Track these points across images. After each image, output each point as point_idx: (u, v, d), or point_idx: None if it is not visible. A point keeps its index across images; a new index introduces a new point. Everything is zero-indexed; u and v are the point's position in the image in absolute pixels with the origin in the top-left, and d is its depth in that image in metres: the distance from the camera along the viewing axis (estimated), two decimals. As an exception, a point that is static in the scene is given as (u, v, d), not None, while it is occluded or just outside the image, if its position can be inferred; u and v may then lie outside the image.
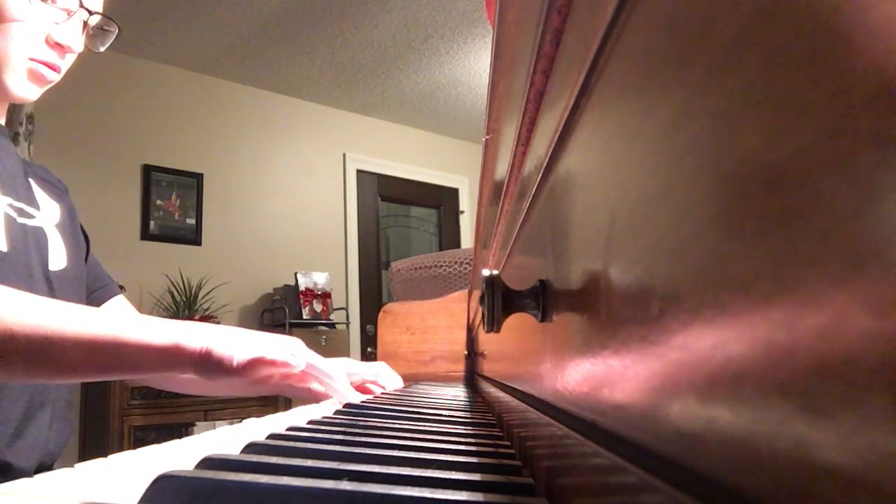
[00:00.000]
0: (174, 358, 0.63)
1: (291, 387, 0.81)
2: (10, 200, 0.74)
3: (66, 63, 0.77)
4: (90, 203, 3.07)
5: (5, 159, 0.77)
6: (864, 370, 0.07)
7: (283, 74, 3.76)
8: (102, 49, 0.82)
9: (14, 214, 0.74)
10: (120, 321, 0.63)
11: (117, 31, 0.82)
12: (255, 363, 0.66)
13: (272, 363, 0.67)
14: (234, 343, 0.65)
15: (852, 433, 0.07)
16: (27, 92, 0.75)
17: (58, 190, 0.89)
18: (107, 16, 0.80)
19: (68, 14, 0.75)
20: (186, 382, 0.94)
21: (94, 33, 0.81)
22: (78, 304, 0.65)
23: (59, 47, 0.75)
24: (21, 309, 0.57)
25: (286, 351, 0.70)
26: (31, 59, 0.73)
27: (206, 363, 0.63)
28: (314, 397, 0.83)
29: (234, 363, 0.64)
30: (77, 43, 0.76)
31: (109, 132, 3.32)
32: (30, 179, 0.83)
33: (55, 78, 0.76)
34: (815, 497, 0.08)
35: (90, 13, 0.78)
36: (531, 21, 0.28)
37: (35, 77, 0.74)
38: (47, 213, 0.82)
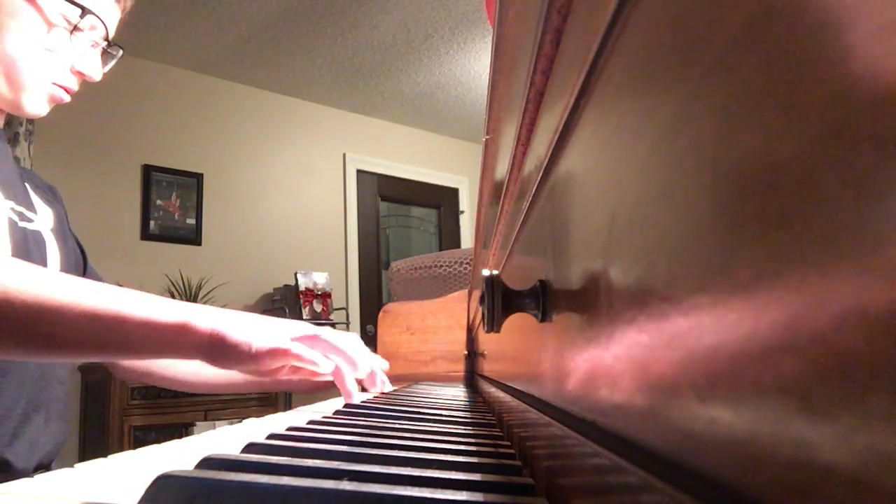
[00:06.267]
0: (181, 339, 0.57)
1: (301, 382, 0.76)
2: (11, 204, 0.75)
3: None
4: (90, 203, 3.08)
5: (5, 163, 0.78)
6: (863, 369, 0.07)
7: (283, 74, 3.76)
8: (105, 70, 0.85)
9: (16, 218, 0.75)
10: (124, 295, 0.58)
11: (120, 53, 0.86)
12: (275, 353, 0.60)
13: (298, 357, 0.62)
14: (249, 328, 0.60)
15: (852, 433, 0.07)
16: (40, 110, 0.78)
17: (50, 196, 0.90)
18: (118, 44, 0.84)
19: (94, 45, 0.80)
20: (185, 379, 0.91)
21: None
22: (80, 278, 0.60)
23: (79, 74, 0.79)
24: (20, 276, 0.53)
25: (315, 353, 0.64)
26: (53, 84, 0.77)
27: (217, 347, 0.58)
28: (317, 386, 0.80)
29: (253, 349, 0.59)
30: (98, 73, 0.81)
31: (109, 132, 3.32)
32: (25, 184, 0.84)
33: (68, 100, 0.80)
34: (816, 497, 0.08)
35: (109, 45, 0.82)
36: (531, 21, 0.28)
37: (51, 99, 0.78)
38: (43, 218, 0.83)
